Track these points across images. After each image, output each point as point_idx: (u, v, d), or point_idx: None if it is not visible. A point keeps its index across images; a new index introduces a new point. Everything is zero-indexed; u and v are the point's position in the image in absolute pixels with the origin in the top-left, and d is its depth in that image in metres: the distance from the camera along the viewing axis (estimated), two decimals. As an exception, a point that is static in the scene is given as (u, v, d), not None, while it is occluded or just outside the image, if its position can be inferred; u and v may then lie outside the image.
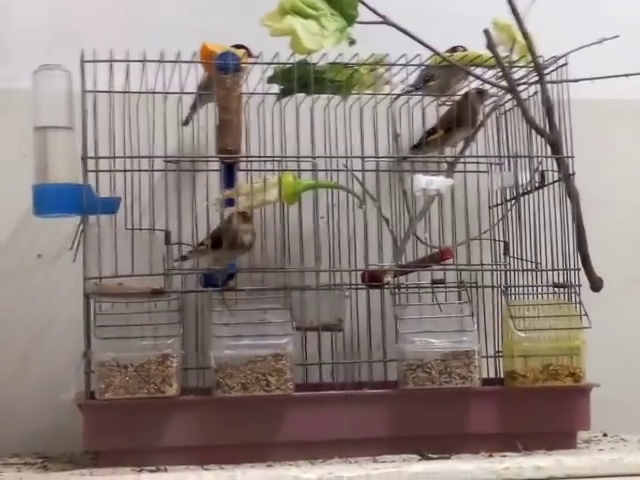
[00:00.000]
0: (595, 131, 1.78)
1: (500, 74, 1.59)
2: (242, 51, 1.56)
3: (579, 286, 1.57)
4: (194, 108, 1.61)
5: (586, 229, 1.58)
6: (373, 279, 1.58)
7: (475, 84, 1.64)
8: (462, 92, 1.64)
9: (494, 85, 1.62)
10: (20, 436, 1.62)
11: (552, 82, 1.60)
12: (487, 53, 1.56)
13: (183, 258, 1.52)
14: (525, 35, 1.56)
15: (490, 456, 1.46)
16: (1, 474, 1.39)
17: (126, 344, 1.43)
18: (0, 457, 1.55)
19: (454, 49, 1.64)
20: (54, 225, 1.59)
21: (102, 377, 1.42)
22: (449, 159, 1.63)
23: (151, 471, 1.39)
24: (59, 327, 1.64)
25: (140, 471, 1.39)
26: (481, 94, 1.62)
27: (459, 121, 1.60)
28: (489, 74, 1.62)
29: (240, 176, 1.57)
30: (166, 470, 1.40)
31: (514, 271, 1.59)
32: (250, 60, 1.56)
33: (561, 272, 1.57)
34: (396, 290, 1.55)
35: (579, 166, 1.59)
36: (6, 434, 1.62)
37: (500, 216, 1.62)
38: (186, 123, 1.61)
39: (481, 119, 1.63)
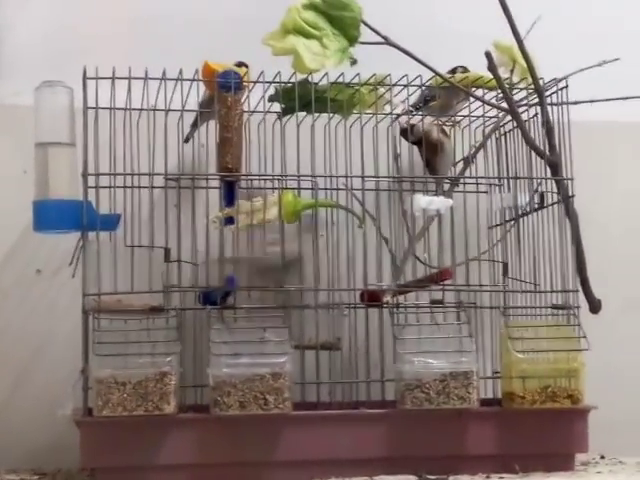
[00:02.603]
0: (595, 153, 1.79)
1: (501, 96, 1.59)
2: (244, 69, 1.57)
3: (578, 308, 1.57)
4: (195, 126, 1.62)
5: (585, 251, 1.59)
6: (372, 299, 1.58)
7: (475, 105, 1.65)
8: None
9: (494, 107, 1.62)
10: (17, 452, 1.62)
11: (552, 104, 1.60)
12: (488, 74, 1.57)
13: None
14: (526, 57, 1.57)
15: (487, 477, 1.46)
16: (-3, 490, 1.39)
17: (124, 361, 1.43)
18: (-4, 473, 1.56)
19: (455, 70, 1.64)
20: (54, 241, 1.59)
21: (100, 394, 1.42)
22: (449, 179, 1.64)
23: (148, 489, 1.39)
24: (57, 343, 1.64)
25: (136, 489, 1.39)
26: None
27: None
28: (490, 95, 1.63)
29: (240, 194, 1.57)
30: (163, 488, 1.40)
31: (513, 292, 1.59)
32: (251, 78, 1.57)
33: (560, 294, 1.58)
34: (395, 310, 1.55)
35: (579, 188, 1.60)
36: (3, 450, 1.61)
37: (499, 237, 1.62)
38: (187, 140, 1.61)
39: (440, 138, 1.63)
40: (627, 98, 1.65)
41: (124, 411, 1.42)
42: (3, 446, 1.61)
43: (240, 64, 1.58)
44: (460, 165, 1.67)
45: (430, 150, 1.60)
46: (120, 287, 1.47)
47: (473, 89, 1.62)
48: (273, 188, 1.56)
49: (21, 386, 1.64)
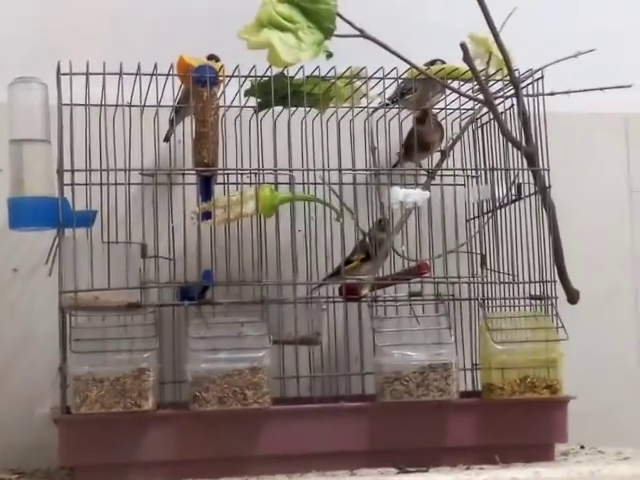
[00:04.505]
0: (571, 144, 1.79)
1: (477, 87, 1.59)
2: (219, 64, 1.56)
3: (556, 298, 1.57)
4: (172, 124, 1.61)
5: (562, 241, 1.59)
6: (350, 292, 1.58)
7: (451, 97, 1.65)
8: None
9: (471, 98, 1.62)
10: (-5, 451, 1.61)
11: (528, 95, 1.60)
12: (464, 66, 1.57)
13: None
14: (501, 49, 1.57)
15: (468, 469, 1.46)
16: (-24, 490, 1.39)
17: (102, 358, 1.42)
18: (-25, 473, 1.55)
19: (433, 62, 1.64)
20: (30, 239, 1.58)
21: (78, 391, 1.41)
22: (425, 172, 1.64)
23: (127, 486, 1.38)
24: (35, 341, 1.63)
25: (116, 486, 1.38)
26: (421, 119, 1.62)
27: (412, 144, 1.60)
28: (466, 87, 1.63)
29: (217, 189, 1.57)
30: (142, 485, 1.39)
31: (491, 283, 1.59)
32: (226, 72, 1.56)
33: (538, 284, 1.58)
34: (373, 303, 1.55)
35: (555, 179, 1.60)
36: (-19, 450, 1.61)
37: (477, 229, 1.62)
38: (167, 139, 1.61)
39: (433, 139, 1.64)
40: (603, 89, 1.65)
41: (102, 408, 1.41)
42: (-19, 446, 1.61)
43: (211, 57, 1.57)
44: (437, 157, 1.67)
45: (419, 147, 1.60)
46: (97, 284, 1.46)
47: (449, 81, 1.62)
48: (250, 183, 1.56)
49: (-1, 385, 1.63)
